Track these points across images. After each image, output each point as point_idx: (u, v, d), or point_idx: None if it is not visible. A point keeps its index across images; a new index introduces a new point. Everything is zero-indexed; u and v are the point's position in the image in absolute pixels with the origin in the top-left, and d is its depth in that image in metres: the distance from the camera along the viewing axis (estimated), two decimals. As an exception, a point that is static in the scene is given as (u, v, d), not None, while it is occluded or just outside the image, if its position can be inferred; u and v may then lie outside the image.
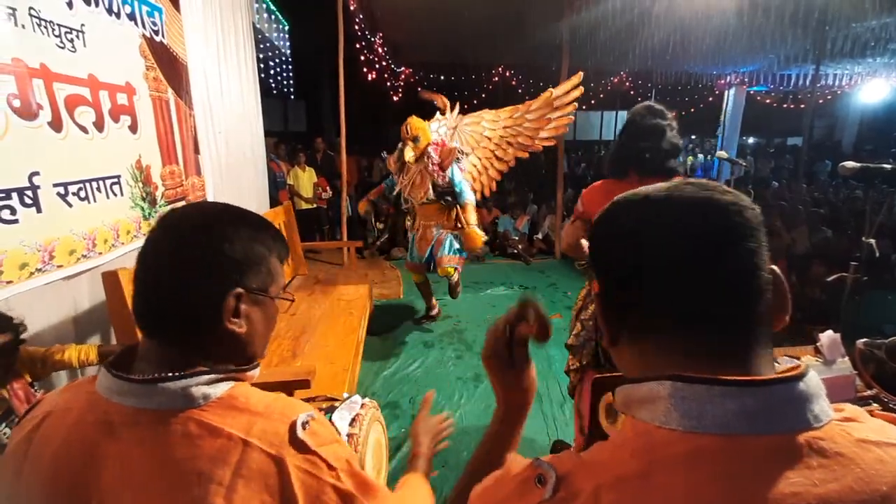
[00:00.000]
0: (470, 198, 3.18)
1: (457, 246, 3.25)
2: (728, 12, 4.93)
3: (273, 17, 6.06)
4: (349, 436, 1.04)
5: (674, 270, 0.42)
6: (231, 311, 0.57)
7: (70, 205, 1.57)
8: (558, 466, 0.42)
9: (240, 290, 0.58)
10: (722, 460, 0.37)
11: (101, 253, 1.71)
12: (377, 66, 7.39)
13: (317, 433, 0.56)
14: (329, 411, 1.11)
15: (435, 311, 3.63)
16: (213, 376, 0.56)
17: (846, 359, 1.17)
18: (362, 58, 6.72)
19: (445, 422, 0.96)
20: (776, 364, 0.52)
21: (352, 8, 5.02)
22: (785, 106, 11.39)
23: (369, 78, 7.34)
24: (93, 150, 1.69)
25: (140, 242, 1.90)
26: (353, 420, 1.07)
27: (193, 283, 0.57)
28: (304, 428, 0.55)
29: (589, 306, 1.77)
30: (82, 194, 1.63)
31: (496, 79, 9.73)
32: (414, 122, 3.03)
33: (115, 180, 1.82)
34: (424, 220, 3.29)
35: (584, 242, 1.77)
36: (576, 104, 3.07)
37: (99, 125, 1.72)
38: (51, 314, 1.57)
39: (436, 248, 3.24)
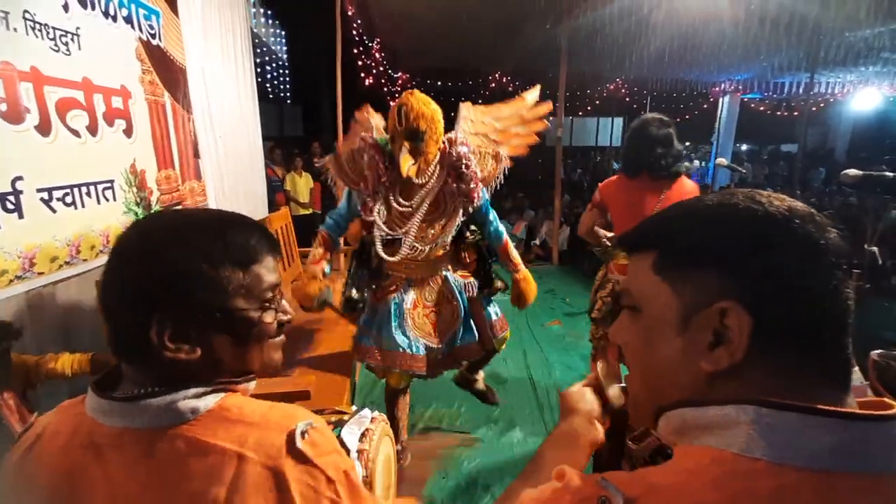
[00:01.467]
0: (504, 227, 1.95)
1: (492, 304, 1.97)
2: (723, 21, 4.98)
3: (270, 21, 6.05)
4: (359, 452, 1.01)
5: (787, 287, 0.39)
6: (162, 339, 0.51)
7: (54, 210, 1.54)
8: (626, 490, 0.38)
9: (163, 314, 0.51)
10: (813, 499, 0.34)
11: (85, 259, 1.67)
12: (374, 71, 7.40)
13: (316, 443, 0.53)
14: (338, 425, 1.08)
15: (406, 458, 2.02)
16: (201, 389, 0.52)
17: (856, 368, 1.15)
18: (360, 63, 6.72)
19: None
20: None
21: (350, 13, 5.02)
22: (779, 113, 11.50)
23: (367, 83, 7.34)
24: (85, 155, 1.66)
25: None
26: (363, 435, 1.03)
27: (121, 309, 0.53)
28: (302, 437, 0.51)
29: (606, 285, 2.10)
30: (68, 200, 1.59)
31: (493, 85, 9.76)
32: (416, 102, 1.64)
33: (109, 185, 1.78)
34: (426, 270, 1.84)
35: (601, 231, 2.11)
36: (546, 122, 1.98)
37: (92, 129, 1.69)
38: (39, 322, 1.52)
39: (476, 314, 1.88)
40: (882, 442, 0.35)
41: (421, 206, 1.71)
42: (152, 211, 2.04)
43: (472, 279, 1.90)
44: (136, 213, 1.93)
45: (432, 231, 1.76)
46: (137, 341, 0.52)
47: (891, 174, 1.83)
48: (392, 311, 1.78)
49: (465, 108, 1.87)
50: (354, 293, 1.84)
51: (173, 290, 0.51)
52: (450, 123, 1.83)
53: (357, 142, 1.75)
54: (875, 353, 0.98)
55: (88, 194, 1.69)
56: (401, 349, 1.75)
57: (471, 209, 1.78)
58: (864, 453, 0.35)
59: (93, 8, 1.74)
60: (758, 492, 0.34)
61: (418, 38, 6.52)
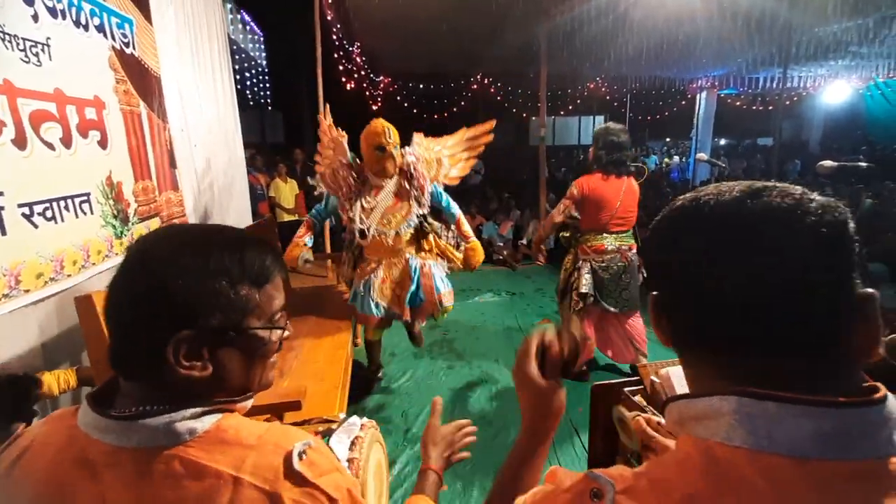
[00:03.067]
0: (458, 209, 2.66)
1: (444, 274, 2.60)
2: (698, 19, 5.08)
3: (248, 27, 5.98)
4: (349, 461, 0.99)
5: (738, 285, 0.38)
6: (178, 357, 0.50)
7: (36, 225, 1.49)
8: (617, 481, 0.39)
9: (185, 333, 0.50)
10: (796, 485, 0.34)
11: (69, 275, 1.62)
12: (356, 75, 7.37)
13: (315, 463, 0.52)
14: (326, 434, 1.06)
15: (380, 374, 2.88)
16: (198, 409, 0.51)
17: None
18: (341, 67, 6.69)
19: (463, 430, 0.88)
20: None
21: (329, 17, 4.99)
22: (754, 108, 11.79)
23: (349, 87, 7.30)
24: (60, 168, 1.61)
25: (113, 262, 1.83)
26: (353, 443, 1.01)
27: (136, 326, 0.51)
28: (300, 458, 0.51)
29: (583, 267, 2.64)
30: (49, 214, 1.55)
31: (475, 87, 9.81)
32: (387, 125, 2.35)
33: (85, 198, 1.73)
34: (392, 254, 2.48)
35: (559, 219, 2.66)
36: (482, 147, 2.61)
37: (66, 141, 1.64)
38: (17, 341, 1.47)
39: (425, 285, 2.48)
40: (864, 428, 0.35)
41: (383, 202, 2.41)
42: (131, 223, 1.99)
43: (430, 260, 2.54)
44: (113, 227, 1.87)
45: (395, 219, 2.42)
46: (148, 359, 0.51)
47: (864, 164, 1.89)
48: (365, 291, 2.47)
49: (418, 137, 2.54)
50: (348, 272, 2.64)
51: (194, 311, 0.51)
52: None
53: (334, 162, 2.47)
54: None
55: (67, 208, 1.64)
56: (379, 313, 2.46)
57: (423, 201, 2.45)
58: (846, 440, 0.35)
59: (63, 17, 1.69)
60: (739, 478, 0.35)
61: (399, 42, 6.52)
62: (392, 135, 2.33)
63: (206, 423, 0.52)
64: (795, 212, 0.38)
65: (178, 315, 0.51)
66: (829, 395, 0.37)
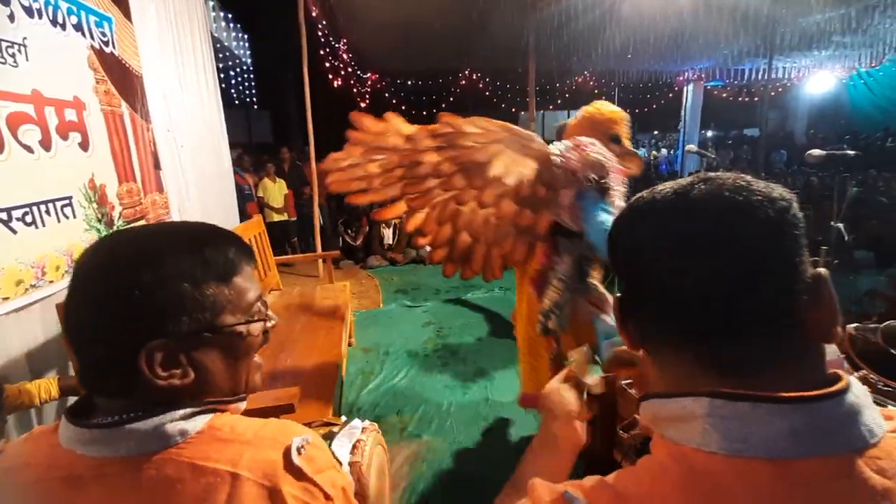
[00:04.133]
0: None
1: None
2: (684, 11, 5.10)
3: (232, 25, 5.88)
4: (351, 464, 0.98)
5: (696, 277, 0.38)
6: (153, 367, 0.48)
7: (14, 231, 1.45)
8: (592, 499, 0.38)
9: (155, 343, 0.48)
10: (776, 489, 0.33)
11: (52, 281, 1.58)
12: (343, 72, 7.30)
13: (313, 458, 0.51)
14: (328, 438, 1.05)
15: None
16: (189, 410, 0.49)
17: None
18: (327, 64, 6.62)
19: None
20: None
21: (314, 14, 4.92)
22: (740, 99, 11.89)
23: (335, 84, 7.23)
24: (39, 171, 1.57)
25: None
26: (354, 447, 1.00)
27: (102, 343, 0.48)
28: (299, 453, 0.50)
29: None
30: (28, 219, 1.51)
31: (464, 82, 9.78)
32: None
33: (67, 202, 1.69)
34: None
35: None
36: None
37: (45, 144, 1.60)
38: (5, 349, 1.43)
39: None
40: (834, 421, 0.34)
41: None
42: (115, 227, 1.95)
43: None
44: (98, 230, 1.83)
45: None
46: (121, 376, 0.48)
47: (851, 152, 1.91)
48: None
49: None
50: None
51: (159, 319, 0.48)
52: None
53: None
54: (851, 326, 1.01)
55: (48, 212, 1.60)
56: None
57: None
58: (819, 434, 0.34)
59: (40, 17, 1.64)
60: (717, 487, 0.34)
61: (386, 38, 6.46)
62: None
63: (198, 423, 0.50)
64: (743, 198, 0.38)
65: (143, 326, 0.48)
66: (796, 384, 0.36)
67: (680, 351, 0.40)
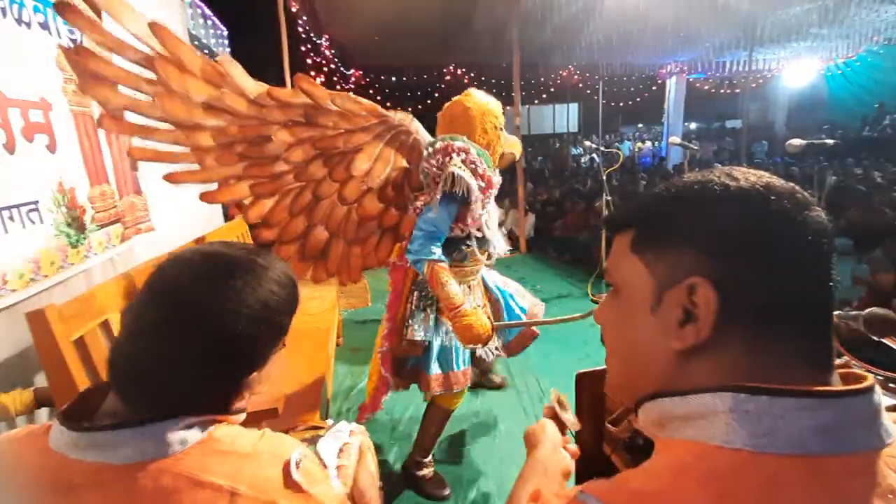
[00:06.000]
0: None
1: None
2: (665, 4, 5.13)
3: (209, 21, 5.75)
4: (338, 468, 0.96)
5: (815, 269, 0.38)
6: (241, 395, 0.55)
7: (-23, 239, 1.38)
8: (609, 500, 0.36)
9: (253, 376, 0.55)
10: (804, 487, 0.32)
11: (14, 290, 1.52)
12: (326, 69, 7.20)
13: (309, 472, 0.53)
14: (312, 441, 1.02)
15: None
16: (192, 419, 0.49)
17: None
18: (309, 61, 6.52)
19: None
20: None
21: (294, 9, 4.84)
22: (722, 91, 12.05)
23: (318, 81, 7.15)
24: (4, 176, 1.50)
25: (69, 273, 1.72)
26: (341, 450, 0.98)
27: (181, 365, 0.50)
28: (297, 468, 0.51)
29: None
30: (-7, 226, 1.44)
31: (448, 77, 9.73)
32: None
33: (33, 207, 1.62)
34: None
35: None
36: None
37: (9, 147, 1.53)
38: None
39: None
40: (860, 417, 0.34)
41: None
42: (87, 231, 1.88)
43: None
44: (67, 235, 1.77)
45: None
46: (202, 401, 0.51)
47: (830, 141, 1.93)
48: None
49: None
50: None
51: (264, 355, 0.56)
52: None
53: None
54: (833, 313, 1.00)
55: (11, 218, 1.53)
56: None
57: None
58: (846, 432, 0.33)
59: (4, 16, 1.57)
60: (745, 486, 0.33)
61: (369, 34, 6.39)
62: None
63: (198, 433, 0.50)
64: (803, 205, 0.39)
65: (242, 365, 0.54)
66: (822, 380, 0.36)
67: (773, 344, 0.37)
